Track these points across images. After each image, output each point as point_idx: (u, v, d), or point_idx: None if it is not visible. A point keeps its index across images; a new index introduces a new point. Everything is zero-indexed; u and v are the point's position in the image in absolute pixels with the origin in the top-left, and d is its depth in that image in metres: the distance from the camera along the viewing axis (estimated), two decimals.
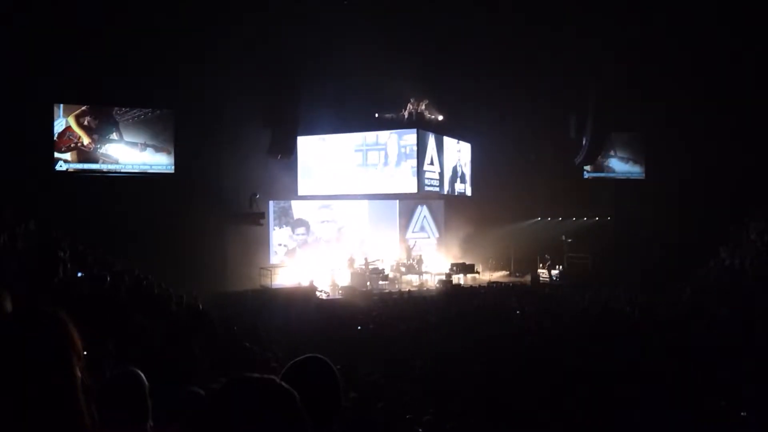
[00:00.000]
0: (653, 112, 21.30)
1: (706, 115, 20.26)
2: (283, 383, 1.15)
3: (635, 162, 24.06)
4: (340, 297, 17.05)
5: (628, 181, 23.79)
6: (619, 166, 24.12)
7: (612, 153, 23.94)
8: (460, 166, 21.23)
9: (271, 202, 19.55)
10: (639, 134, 23.77)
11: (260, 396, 1.10)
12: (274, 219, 19.75)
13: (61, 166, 16.26)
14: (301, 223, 20.28)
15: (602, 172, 23.92)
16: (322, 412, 1.81)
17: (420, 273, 19.47)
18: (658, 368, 7.99)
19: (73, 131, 16.43)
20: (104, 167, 16.79)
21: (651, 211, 20.57)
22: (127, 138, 17.06)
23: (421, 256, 20.19)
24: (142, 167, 17.21)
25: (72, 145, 16.45)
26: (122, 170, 17.04)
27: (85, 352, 1.25)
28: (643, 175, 23.77)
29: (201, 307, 10.83)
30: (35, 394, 1.03)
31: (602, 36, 19.17)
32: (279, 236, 19.79)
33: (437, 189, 19.99)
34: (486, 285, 18.31)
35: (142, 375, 2.53)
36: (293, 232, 20.07)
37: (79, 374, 1.18)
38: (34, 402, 1.03)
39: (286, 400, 1.11)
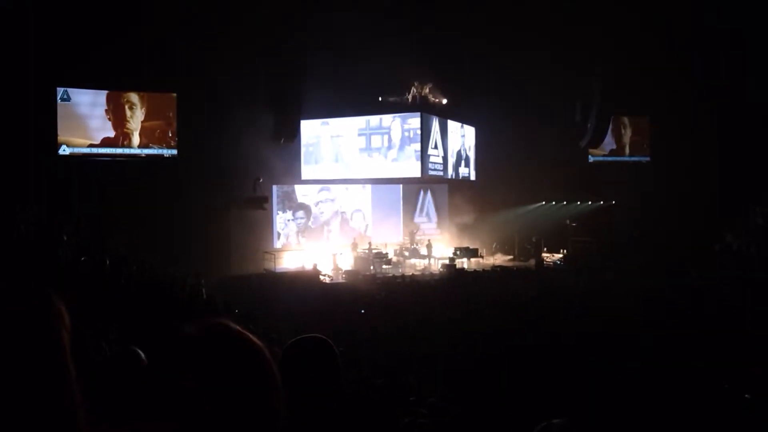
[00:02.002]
0: (659, 95, 21.08)
1: (712, 98, 20.03)
2: (252, 336, 1.10)
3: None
4: (343, 281, 17.07)
5: (632, 165, 23.64)
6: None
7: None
8: (465, 149, 21.09)
9: (274, 187, 19.49)
10: (645, 118, 23.60)
11: (227, 346, 1.06)
12: (278, 203, 19.71)
13: (64, 151, 16.22)
14: (303, 207, 20.24)
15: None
16: (321, 391, 1.79)
17: (429, 257, 19.40)
18: (662, 351, 7.99)
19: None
20: (108, 151, 16.75)
21: (656, 196, 20.44)
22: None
23: (429, 240, 20.10)
24: (145, 151, 17.20)
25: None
26: (125, 154, 17.01)
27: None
28: (649, 158, 23.63)
29: (204, 291, 10.84)
30: (20, 366, 1.01)
31: (608, 17, 18.91)
32: (282, 220, 19.78)
33: (441, 173, 19.88)
34: (490, 269, 18.31)
35: (143, 355, 2.54)
36: (294, 216, 20.02)
37: (67, 348, 1.16)
38: (19, 374, 1.01)
39: (250, 351, 1.07)
